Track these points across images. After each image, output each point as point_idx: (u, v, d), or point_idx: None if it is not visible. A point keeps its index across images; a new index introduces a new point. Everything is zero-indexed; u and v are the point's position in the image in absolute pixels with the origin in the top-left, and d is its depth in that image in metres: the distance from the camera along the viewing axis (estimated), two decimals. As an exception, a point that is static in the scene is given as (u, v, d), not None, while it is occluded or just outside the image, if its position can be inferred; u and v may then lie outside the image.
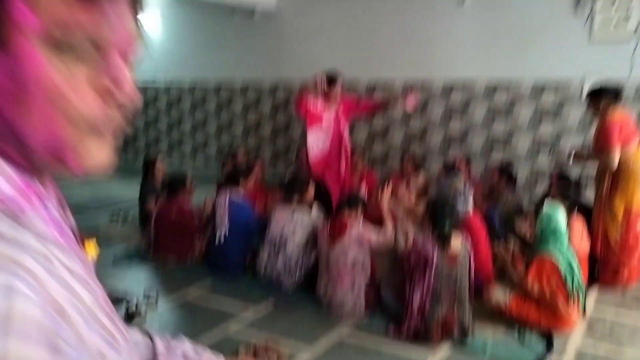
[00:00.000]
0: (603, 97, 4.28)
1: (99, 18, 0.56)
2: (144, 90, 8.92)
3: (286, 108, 7.56)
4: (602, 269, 4.39)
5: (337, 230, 3.87)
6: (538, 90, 5.85)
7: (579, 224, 4.20)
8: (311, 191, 4.60)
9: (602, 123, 4.29)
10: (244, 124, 8.00)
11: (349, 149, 5.52)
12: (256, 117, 7.88)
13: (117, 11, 0.58)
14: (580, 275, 3.57)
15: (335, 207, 4.22)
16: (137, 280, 4.59)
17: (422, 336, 3.47)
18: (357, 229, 3.85)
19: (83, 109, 0.57)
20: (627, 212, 4.26)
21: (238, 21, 7.63)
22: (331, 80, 5.14)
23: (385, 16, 6.42)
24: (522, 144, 6.02)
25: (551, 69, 5.68)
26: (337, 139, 5.35)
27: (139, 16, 0.62)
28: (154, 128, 8.99)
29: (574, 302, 3.53)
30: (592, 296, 4.20)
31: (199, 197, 5.46)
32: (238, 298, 4.22)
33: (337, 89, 5.19)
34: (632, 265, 4.35)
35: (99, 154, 0.61)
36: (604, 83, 4.44)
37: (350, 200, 4.05)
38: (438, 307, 3.44)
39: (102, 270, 4.69)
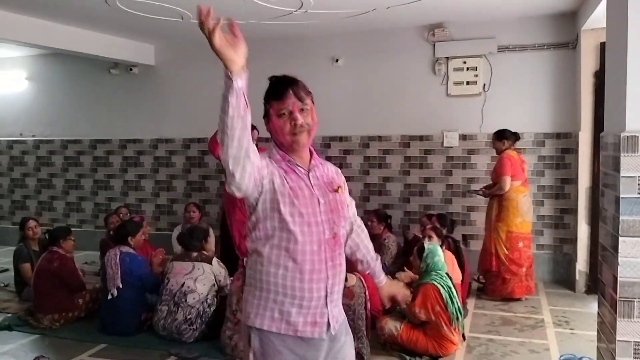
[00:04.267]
0: (506, 138, 5.39)
1: (284, 102, 1.89)
2: (9, 147, 8.45)
3: (168, 164, 7.58)
4: (493, 281, 5.41)
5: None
6: (405, 142, 6.52)
7: (451, 257, 4.76)
8: (211, 242, 4.69)
9: (499, 159, 5.39)
10: (123, 181, 7.85)
11: None
12: (136, 173, 7.78)
13: (289, 100, 1.90)
14: (458, 299, 4.05)
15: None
16: (23, 350, 4.31)
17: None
18: None
19: (286, 132, 1.91)
20: (509, 233, 5.30)
21: (116, 75, 7.61)
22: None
23: (265, 74, 6.78)
24: (395, 189, 6.61)
25: (415, 123, 6.39)
26: None
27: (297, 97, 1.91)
28: (20, 188, 8.46)
29: (455, 325, 3.98)
30: (467, 320, 4.72)
31: (76, 259, 5.29)
32: (137, 356, 4.14)
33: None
34: (518, 279, 5.32)
35: (301, 141, 1.93)
36: (506, 128, 5.48)
37: None
38: (340, 341, 3.69)
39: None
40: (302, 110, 1.90)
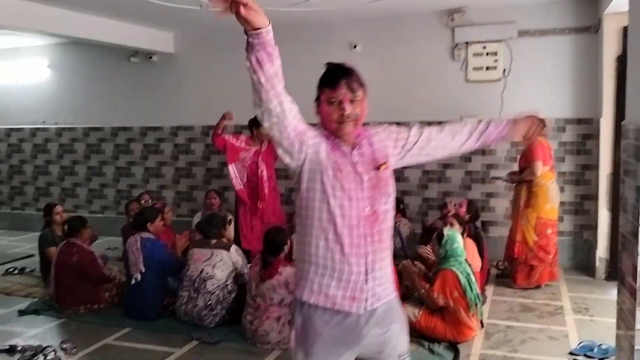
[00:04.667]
0: None
1: (336, 91, 1.94)
2: (32, 135, 8.60)
3: (187, 151, 7.66)
4: (520, 269, 5.33)
5: (267, 271, 4.05)
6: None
7: (472, 245, 4.76)
8: (230, 229, 4.75)
9: (528, 145, 5.16)
10: (144, 168, 7.95)
11: (266, 190, 5.73)
12: (156, 160, 7.87)
13: (341, 90, 1.95)
14: (477, 286, 4.07)
15: (263, 250, 4.27)
16: (49, 334, 4.43)
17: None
18: (286, 274, 4.05)
19: (333, 119, 1.97)
20: (539, 219, 5.21)
21: (136, 63, 7.68)
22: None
23: (284, 61, 6.79)
24: (414, 176, 6.60)
25: (434, 108, 6.35)
26: (254, 179, 5.64)
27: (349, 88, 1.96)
28: (44, 175, 8.62)
29: (474, 311, 4.00)
30: (486, 307, 4.74)
31: (99, 245, 5.38)
32: (161, 340, 4.24)
33: (263, 132, 5.55)
34: (544, 266, 5.28)
35: (346, 130, 1.98)
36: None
37: (272, 248, 4.18)
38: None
39: (8, 326, 4.52)
40: (352, 101, 1.96)
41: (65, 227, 5.28)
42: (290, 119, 1.87)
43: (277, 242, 4.15)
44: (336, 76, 1.96)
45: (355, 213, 1.96)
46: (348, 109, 1.94)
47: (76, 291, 4.86)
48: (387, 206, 2.05)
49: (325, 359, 1.99)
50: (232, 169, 5.64)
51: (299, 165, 1.96)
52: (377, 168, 2.03)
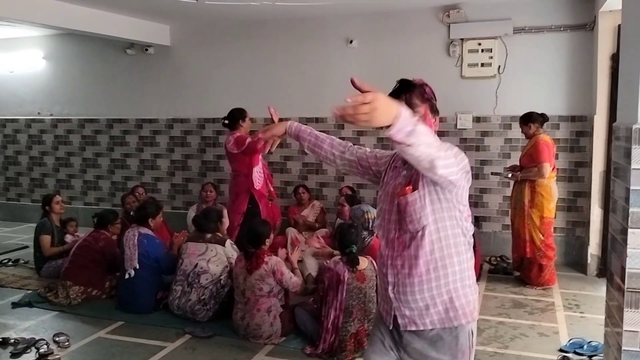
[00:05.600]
0: (532, 121, 5.22)
1: None
2: (27, 126, 8.58)
3: (183, 144, 7.65)
4: (531, 268, 5.31)
5: (253, 263, 4.08)
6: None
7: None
8: (225, 222, 4.76)
9: (534, 143, 5.20)
10: (139, 160, 7.95)
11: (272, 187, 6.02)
12: (152, 153, 7.87)
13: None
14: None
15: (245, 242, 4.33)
16: (42, 327, 4.44)
17: (336, 351, 3.76)
18: (272, 263, 4.08)
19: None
20: (543, 219, 5.21)
21: (132, 55, 7.66)
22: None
23: (280, 55, 6.82)
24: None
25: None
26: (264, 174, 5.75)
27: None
28: (39, 166, 8.61)
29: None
30: (478, 303, 4.77)
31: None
32: (153, 334, 4.26)
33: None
34: (552, 266, 5.28)
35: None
36: (532, 111, 5.32)
37: (254, 239, 4.21)
38: (350, 322, 3.76)
39: (0, 318, 4.53)
40: None
41: (94, 219, 5.41)
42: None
43: (258, 234, 4.18)
44: (397, 91, 1.99)
45: (385, 235, 2.06)
46: None
47: (86, 271, 4.98)
48: (418, 234, 1.96)
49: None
50: (256, 171, 5.62)
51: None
52: (402, 193, 1.98)
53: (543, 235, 5.21)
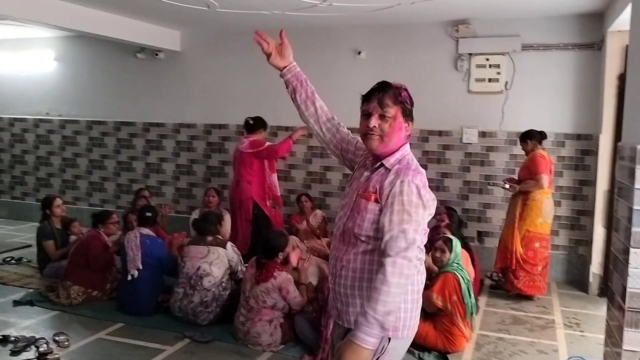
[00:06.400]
0: (530, 138, 5.42)
1: (368, 104, 2.00)
2: (35, 126, 8.64)
3: (189, 148, 7.69)
4: (509, 276, 5.47)
5: (263, 274, 4.09)
6: (424, 137, 6.53)
7: (466, 255, 4.79)
8: (226, 226, 4.78)
9: (531, 157, 5.37)
10: (145, 163, 7.99)
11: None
12: (158, 156, 7.91)
13: (372, 103, 2.00)
14: (473, 294, 4.12)
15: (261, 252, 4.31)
16: (43, 326, 4.46)
17: (335, 361, 3.76)
18: (281, 279, 4.09)
19: (361, 131, 2.02)
20: (527, 232, 5.35)
21: (142, 59, 7.72)
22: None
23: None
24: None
25: (435, 118, 6.37)
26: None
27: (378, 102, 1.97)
28: (46, 166, 8.66)
29: (469, 318, 4.06)
30: (478, 318, 4.77)
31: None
32: (153, 337, 4.27)
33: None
34: (529, 278, 5.37)
35: (371, 145, 1.99)
36: (531, 129, 5.50)
37: (269, 251, 4.22)
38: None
39: (2, 316, 4.55)
40: (381, 116, 1.99)
41: (92, 219, 5.43)
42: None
43: (274, 246, 4.19)
44: (372, 90, 2.03)
45: (337, 228, 2.08)
46: (372, 122, 1.97)
47: (85, 271, 4.99)
48: (359, 241, 1.96)
49: None
50: (275, 177, 5.86)
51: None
52: (361, 195, 1.99)
53: (522, 249, 5.35)
